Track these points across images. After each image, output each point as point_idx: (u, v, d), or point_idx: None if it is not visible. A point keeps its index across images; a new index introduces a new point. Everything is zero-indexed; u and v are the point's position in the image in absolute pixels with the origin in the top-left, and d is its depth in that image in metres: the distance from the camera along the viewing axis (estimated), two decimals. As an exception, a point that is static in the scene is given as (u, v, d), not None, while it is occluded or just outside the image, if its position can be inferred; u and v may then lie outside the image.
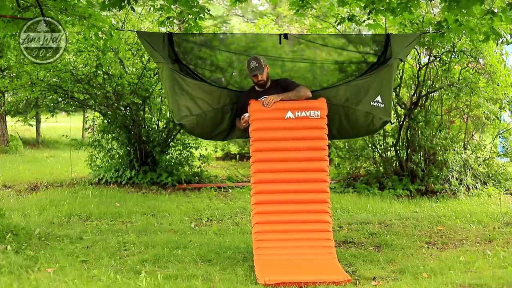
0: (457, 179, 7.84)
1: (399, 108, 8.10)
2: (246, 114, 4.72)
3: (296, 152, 4.57)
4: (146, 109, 8.87)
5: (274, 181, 4.54)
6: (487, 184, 8.08)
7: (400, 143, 8.15)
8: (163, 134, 8.85)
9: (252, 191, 4.58)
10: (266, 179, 4.55)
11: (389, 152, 8.35)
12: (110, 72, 8.36)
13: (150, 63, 8.28)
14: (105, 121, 8.84)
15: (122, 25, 8.34)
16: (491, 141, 8.93)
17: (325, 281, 3.84)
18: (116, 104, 8.55)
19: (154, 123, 8.95)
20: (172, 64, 4.93)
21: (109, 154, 8.84)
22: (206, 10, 5.44)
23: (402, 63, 6.53)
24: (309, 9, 7.41)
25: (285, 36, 5.18)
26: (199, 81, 5.04)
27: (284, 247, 4.36)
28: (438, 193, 7.64)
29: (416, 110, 7.95)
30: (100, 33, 5.77)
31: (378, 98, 4.85)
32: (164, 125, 8.92)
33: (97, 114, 9.28)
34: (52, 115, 16.74)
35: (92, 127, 9.34)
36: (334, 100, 4.89)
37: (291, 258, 4.27)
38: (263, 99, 4.66)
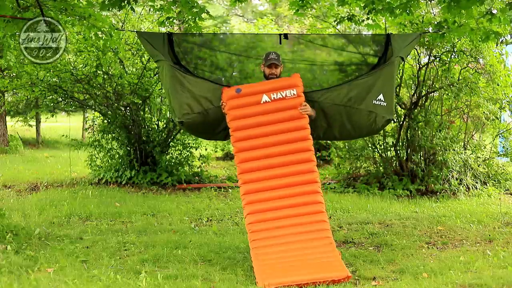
0: (457, 179, 7.84)
1: (399, 108, 8.09)
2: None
3: (278, 135, 4.49)
4: (146, 109, 8.87)
5: (258, 169, 4.45)
6: (487, 184, 8.08)
7: (400, 143, 8.15)
8: (163, 134, 8.85)
9: (241, 191, 4.49)
10: (252, 168, 4.47)
11: (389, 152, 8.35)
12: (110, 72, 8.36)
13: (150, 63, 8.28)
14: (105, 121, 8.84)
15: (122, 25, 8.35)
16: (491, 141, 8.92)
17: (325, 280, 3.83)
18: (116, 104, 8.55)
19: (154, 123, 8.95)
20: (172, 63, 4.92)
21: (109, 154, 8.84)
22: (206, 11, 5.45)
23: (403, 62, 6.51)
24: (309, 9, 7.41)
25: (285, 36, 5.17)
26: (199, 78, 5.02)
27: (280, 244, 4.25)
28: (438, 193, 7.63)
29: (416, 110, 7.95)
30: (100, 33, 5.76)
31: (380, 97, 4.81)
32: (164, 125, 8.92)
33: (97, 114, 9.28)
34: (52, 115, 16.65)
35: (92, 127, 9.35)
36: (336, 100, 4.83)
37: (289, 260, 4.18)
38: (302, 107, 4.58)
